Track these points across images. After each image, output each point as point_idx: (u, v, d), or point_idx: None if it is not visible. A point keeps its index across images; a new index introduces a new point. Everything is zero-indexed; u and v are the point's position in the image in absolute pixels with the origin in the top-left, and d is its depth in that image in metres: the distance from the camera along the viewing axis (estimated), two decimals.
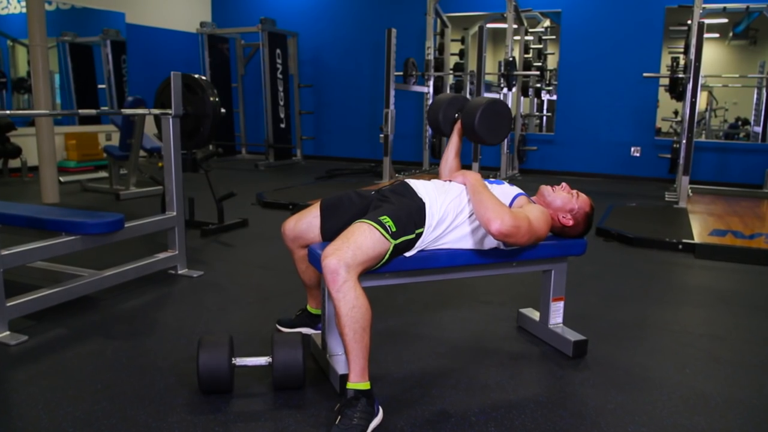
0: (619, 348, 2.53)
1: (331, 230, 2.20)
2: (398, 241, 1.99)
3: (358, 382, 1.87)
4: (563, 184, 2.40)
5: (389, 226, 1.97)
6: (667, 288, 3.49)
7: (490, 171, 7.75)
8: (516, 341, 2.60)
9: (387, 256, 1.98)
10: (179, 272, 3.46)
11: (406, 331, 2.67)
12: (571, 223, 2.33)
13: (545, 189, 2.37)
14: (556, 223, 2.33)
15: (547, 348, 2.51)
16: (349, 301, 1.84)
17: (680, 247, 4.21)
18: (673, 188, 6.90)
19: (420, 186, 2.21)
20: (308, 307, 2.56)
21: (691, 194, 6.41)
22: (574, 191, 2.37)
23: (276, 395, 2.07)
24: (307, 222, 2.29)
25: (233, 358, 2.04)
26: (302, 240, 2.30)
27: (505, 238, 2.00)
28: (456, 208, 2.14)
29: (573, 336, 2.45)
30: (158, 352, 2.41)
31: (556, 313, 2.55)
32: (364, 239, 1.93)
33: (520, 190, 2.32)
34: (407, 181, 2.27)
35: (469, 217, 2.14)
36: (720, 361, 2.43)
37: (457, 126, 2.58)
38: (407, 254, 2.09)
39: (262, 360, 2.08)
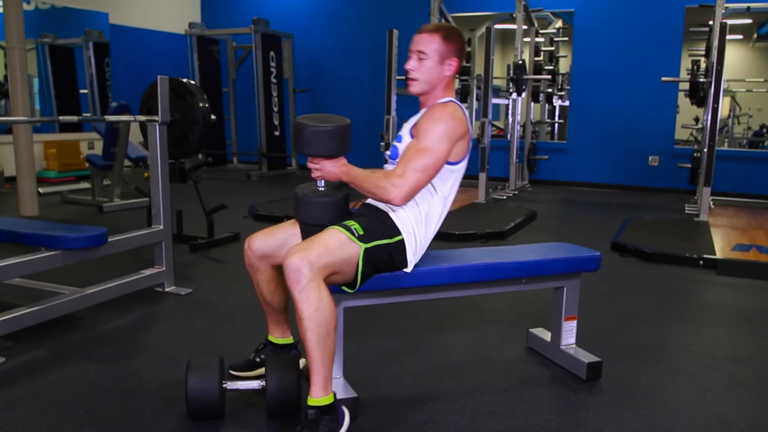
0: (636, 370, 2.54)
1: None
2: (370, 245, 2.02)
3: (321, 397, 1.89)
4: (410, 63, 2.24)
5: (355, 229, 2.02)
6: (687, 307, 3.50)
7: (498, 182, 7.79)
8: (526, 363, 2.62)
9: (360, 262, 2.00)
10: (166, 290, 3.48)
11: (409, 352, 2.68)
12: (455, 63, 2.22)
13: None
14: (448, 76, 2.22)
15: (559, 370, 2.52)
16: (313, 303, 1.85)
17: (701, 263, 4.22)
18: (694, 200, 6.92)
19: (378, 202, 2.22)
20: (270, 337, 2.44)
21: (712, 206, 6.43)
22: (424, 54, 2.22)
23: (270, 421, 2.08)
24: (281, 239, 2.25)
25: (224, 382, 2.05)
26: (273, 258, 2.26)
27: (411, 196, 2.07)
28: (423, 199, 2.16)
29: (587, 357, 2.47)
30: (144, 375, 2.43)
31: (569, 333, 2.57)
32: (329, 239, 1.97)
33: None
34: (368, 201, 2.29)
35: (435, 193, 2.18)
36: (743, 384, 2.45)
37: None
38: (407, 270, 2.12)
39: (255, 384, 2.10)
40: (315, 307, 1.85)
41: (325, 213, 2.17)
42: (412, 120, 2.25)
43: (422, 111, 2.24)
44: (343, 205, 2.21)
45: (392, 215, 2.13)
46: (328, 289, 1.91)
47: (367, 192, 2.09)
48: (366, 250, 2.01)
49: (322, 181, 2.21)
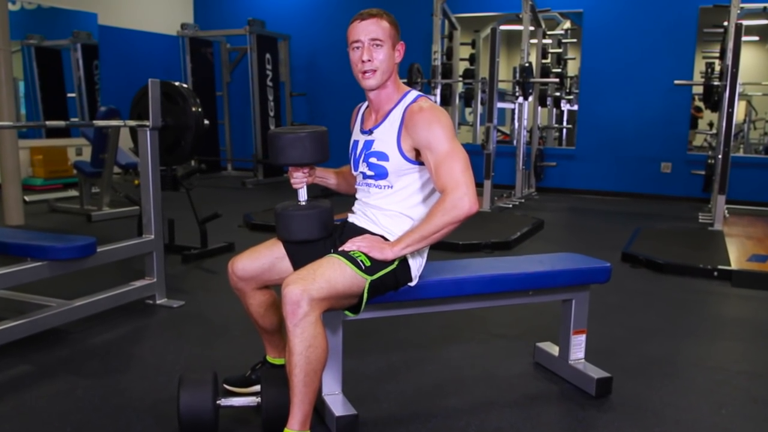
0: (648, 386, 2.55)
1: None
2: (375, 276, 2.01)
3: (297, 430, 1.89)
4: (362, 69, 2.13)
5: (362, 261, 1.99)
6: (700, 320, 3.51)
7: (503, 189, 7.80)
8: (533, 379, 2.63)
9: (365, 294, 2.01)
10: (158, 302, 3.49)
11: (411, 368, 2.69)
12: (402, 48, 2.18)
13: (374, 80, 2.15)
14: (397, 63, 2.18)
15: (567, 386, 2.53)
16: (306, 339, 1.84)
17: (715, 274, 4.23)
18: (708, 208, 6.93)
19: (368, 223, 2.20)
20: (268, 357, 2.46)
21: (727, 215, 6.43)
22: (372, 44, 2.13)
23: None
24: (267, 262, 2.21)
25: (218, 398, 2.06)
26: (259, 281, 2.24)
27: (476, 196, 1.98)
28: (411, 214, 2.15)
29: (596, 373, 2.48)
30: (134, 391, 2.44)
31: (578, 347, 2.57)
32: (334, 274, 1.93)
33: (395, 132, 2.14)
34: (351, 221, 2.27)
35: (423, 201, 2.16)
36: (759, 401, 2.45)
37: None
38: (412, 284, 2.13)
39: (250, 400, 2.11)
40: (308, 344, 1.84)
41: (309, 227, 2.14)
42: (383, 133, 2.14)
43: (388, 118, 2.15)
44: (327, 217, 2.19)
45: (392, 239, 2.11)
46: (323, 327, 1.90)
47: (442, 232, 1.98)
48: (371, 282, 2.00)
49: (304, 194, 2.23)
